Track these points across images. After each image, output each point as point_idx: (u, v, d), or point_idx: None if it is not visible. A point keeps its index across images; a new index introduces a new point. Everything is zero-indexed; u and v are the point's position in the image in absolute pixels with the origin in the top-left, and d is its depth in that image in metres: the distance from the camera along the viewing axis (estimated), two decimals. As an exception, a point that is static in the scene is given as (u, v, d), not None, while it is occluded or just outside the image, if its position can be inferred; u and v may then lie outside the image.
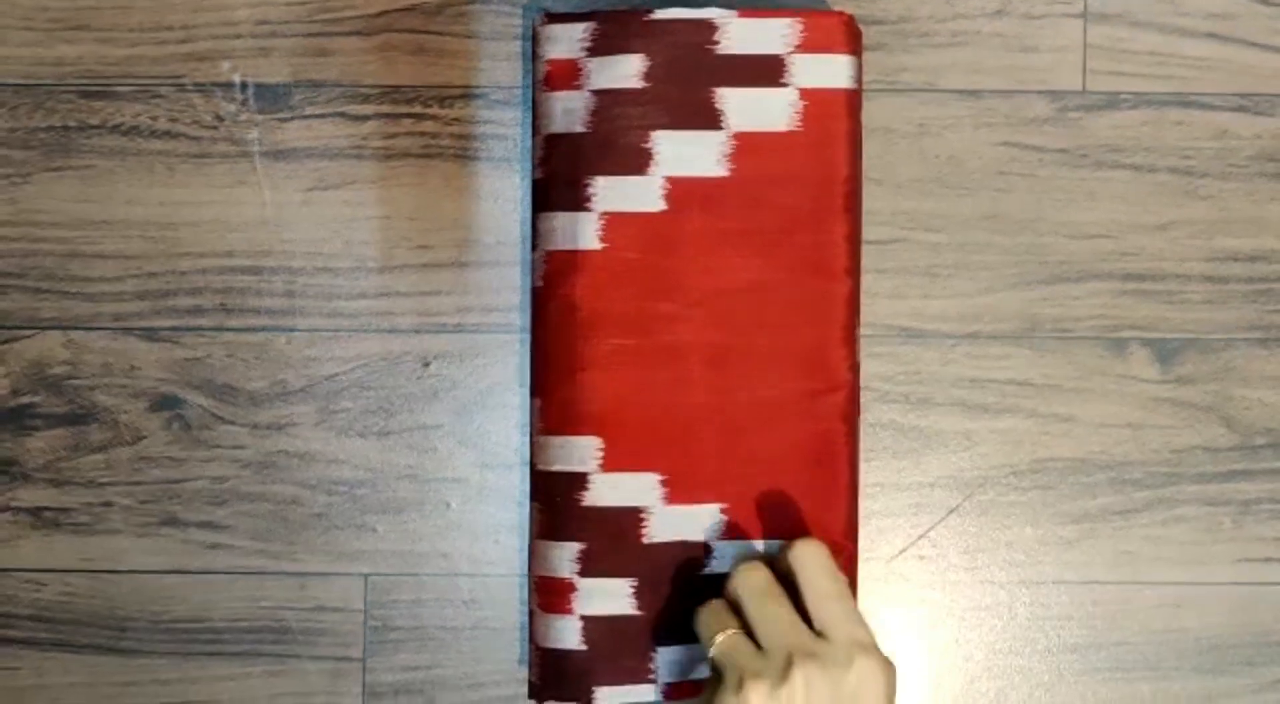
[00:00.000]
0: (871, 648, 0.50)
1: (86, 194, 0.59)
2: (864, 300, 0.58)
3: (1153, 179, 0.59)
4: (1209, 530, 0.59)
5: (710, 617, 0.52)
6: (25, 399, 0.59)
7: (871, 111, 0.58)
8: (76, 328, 0.59)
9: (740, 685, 0.49)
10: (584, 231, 0.55)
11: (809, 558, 0.51)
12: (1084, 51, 0.59)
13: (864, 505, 0.59)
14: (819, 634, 0.50)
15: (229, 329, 0.59)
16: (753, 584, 0.51)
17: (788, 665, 0.49)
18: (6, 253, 0.59)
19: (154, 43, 0.59)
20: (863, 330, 0.58)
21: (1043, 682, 0.59)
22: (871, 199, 0.59)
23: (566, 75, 0.55)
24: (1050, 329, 0.59)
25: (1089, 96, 0.59)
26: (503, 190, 0.59)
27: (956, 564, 0.59)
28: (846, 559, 0.55)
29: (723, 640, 0.51)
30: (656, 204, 0.55)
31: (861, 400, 0.58)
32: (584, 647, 0.54)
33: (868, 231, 0.58)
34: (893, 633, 0.59)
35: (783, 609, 0.51)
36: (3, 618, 0.59)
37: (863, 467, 0.58)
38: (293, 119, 0.59)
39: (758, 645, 0.50)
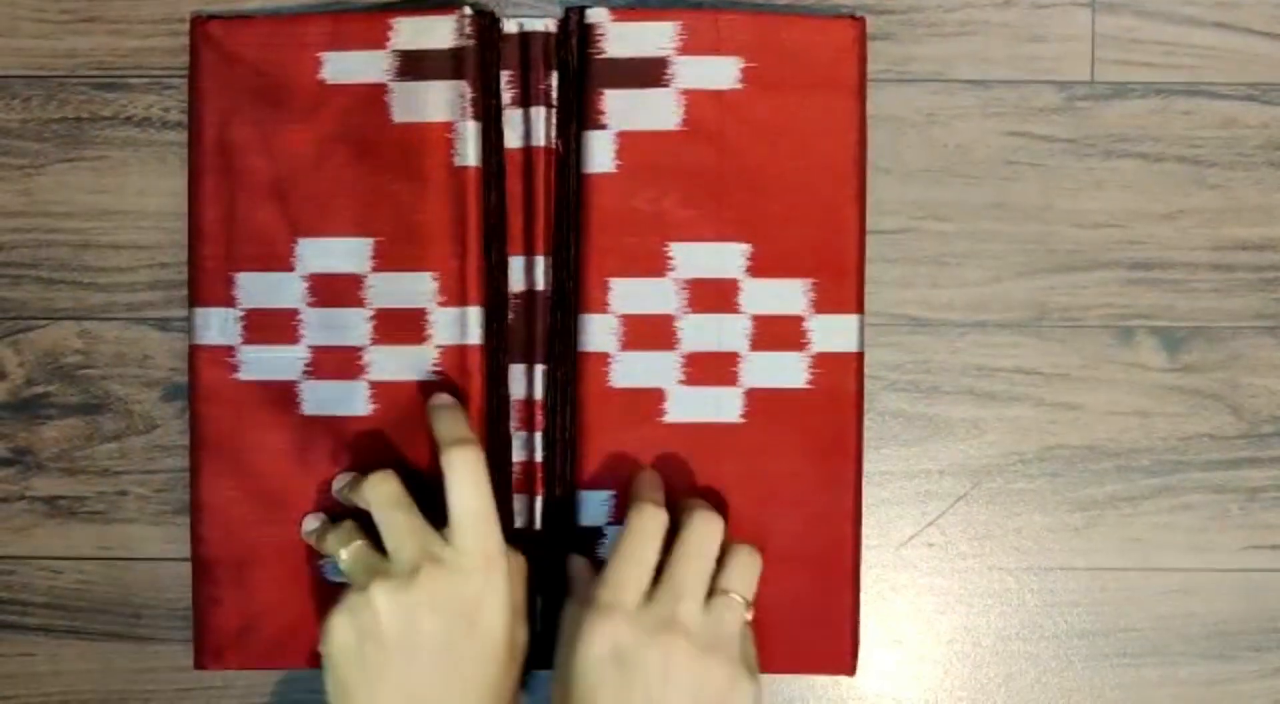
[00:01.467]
0: (496, 556, 0.52)
1: (100, 185, 0.59)
2: (872, 289, 0.58)
3: (1161, 168, 0.59)
4: (1216, 517, 0.60)
5: (336, 533, 0.54)
6: (39, 388, 0.59)
7: (880, 101, 0.59)
8: (89, 318, 0.59)
9: (366, 587, 0.51)
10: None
11: (461, 464, 0.52)
12: (1092, 41, 0.59)
13: (873, 493, 0.59)
14: (448, 540, 0.52)
15: (242, 319, 0.59)
16: (383, 493, 0.53)
17: (414, 569, 0.51)
18: (20, 243, 0.59)
19: (167, 34, 0.59)
20: (871, 319, 0.59)
21: (1051, 667, 0.60)
22: (880, 188, 0.59)
23: None
24: (1058, 318, 0.59)
25: (1097, 86, 0.59)
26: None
27: (965, 551, 0.60)
28: (850, 546, 0.57)
29: (351, 550, 0.53)
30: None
31: (870, 389, 0.58)
32: None
33: (876, 221, 0.59)
34: (901, 619, 0.60)
35: (412, 517, 0.52)
36: (19, 605, 0.59)
37: (871, 455, 0.59)
38: (304, 110, 0.59)
39: (384, 554, 0.52)
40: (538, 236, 0.58)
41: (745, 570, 0.54)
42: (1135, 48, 0.59)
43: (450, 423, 0.54)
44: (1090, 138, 0.59)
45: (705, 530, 0.53)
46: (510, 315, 0.58)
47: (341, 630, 0.51)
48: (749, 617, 0.53)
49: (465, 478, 0.52)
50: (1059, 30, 0.59)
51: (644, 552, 0.52)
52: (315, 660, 0.54)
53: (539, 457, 0.58)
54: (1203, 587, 0.60)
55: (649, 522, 0.53)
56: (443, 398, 0.56)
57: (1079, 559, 0.59)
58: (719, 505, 0.57)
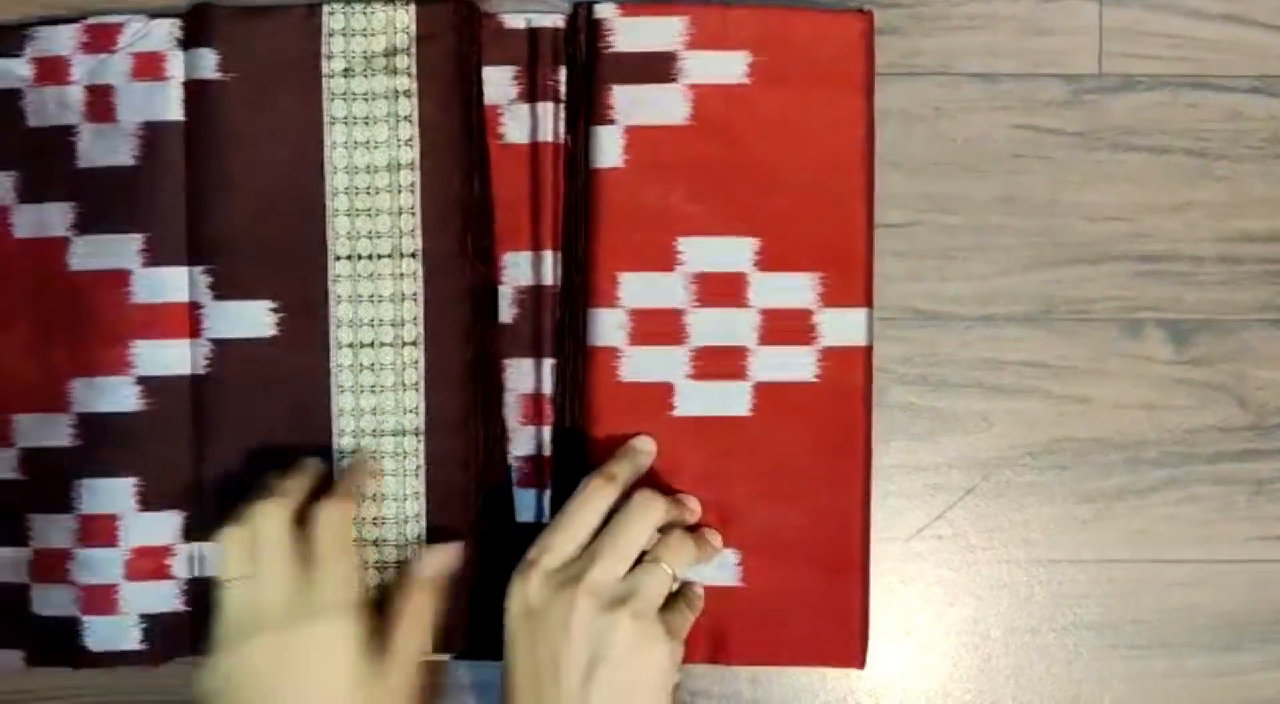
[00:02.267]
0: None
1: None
2: (880, 283, 0.58)
3: (1168, 161, 0.59)
4: (1223, 509, 0.60)
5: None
6: None
7: (888, 95, 0.59)
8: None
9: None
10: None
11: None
12: (1099, 34, 0.59)
13: (881, 486, 0.59)
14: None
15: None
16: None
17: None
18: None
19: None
20: (879, 313, 0.59)
21: (1059, 659, 0.60)
22: (888, 182, 0.59)
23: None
24: (1066, 311, 0.59)
25: (1104, 79, 0.59)
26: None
27: (974, 544, 0.60)
28: (859, 540, 0.57)
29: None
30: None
31: (878, 383, 0.59)
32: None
33: (884, 215, 0.59)
34: (910, 611, 0.60)
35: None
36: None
37: (880, 448, 0.59)
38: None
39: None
40: (545, 231, 0.58)
41: (678, 544, 0.55)
42: (1142, 41, 0.59)
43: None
44: (1097, 131, 0.59)
45: (642, 509, 0.54)
46: (516, 310, 0.58)
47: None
48: (674, 586, 0.54)
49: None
50: (1066, 23, 0.59)
51: (578, 519, 0.53)
52: None
53: (548, 451, 0.58)
54: (1210, 578, 0.60)
55: (592, 493, 0.54)
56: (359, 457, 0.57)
57: (1087, 551, 0.60)
58: (728, 499, 0.57)
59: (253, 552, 0.53)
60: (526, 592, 0.52)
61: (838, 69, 0.57)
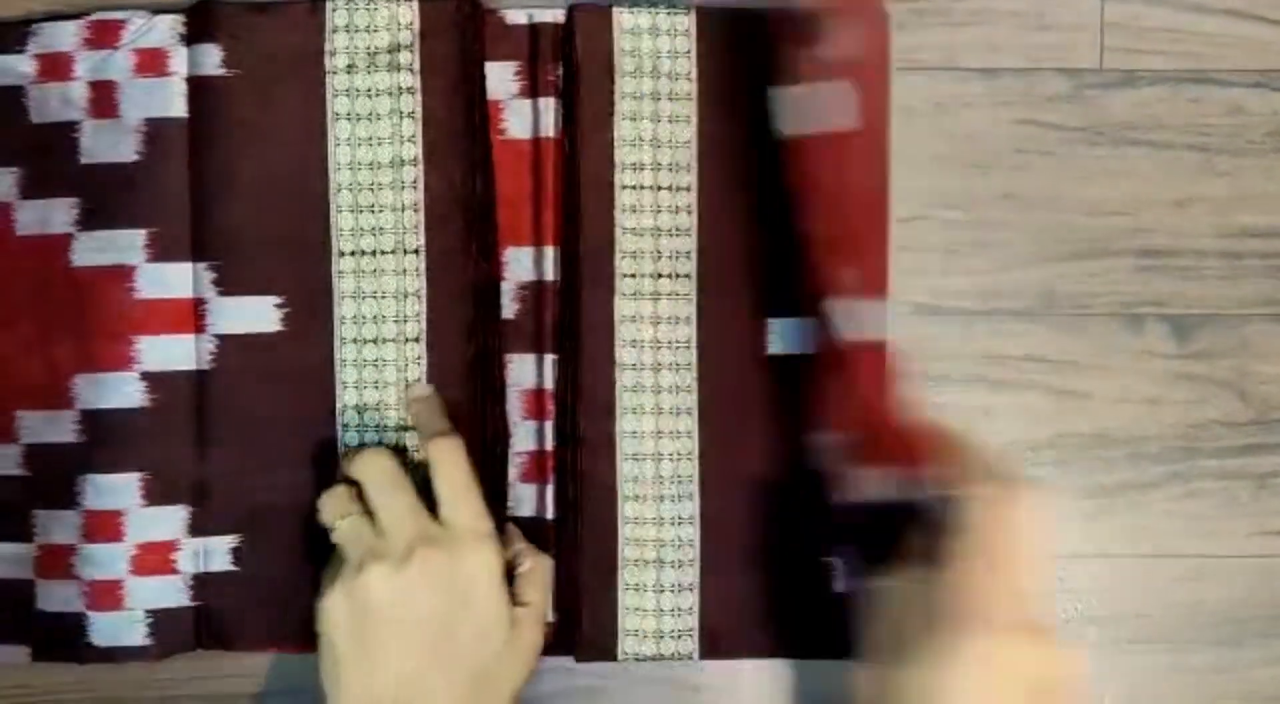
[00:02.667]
0: (487, 537, 0.53)
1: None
2: (882, 278, 0.59)
3: (1169, 156, 0.59)
4: (1226, 504, 0.60)
5: (333, 502, 0.54)
6: None
7: (891, 91, 0.59)
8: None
9: (362, 566, 0.51)
10: None
11: (446, 452, 0.54)
12: (1101, 29, 0.59)
13: (883, 481, 0.59)
14: (440, 522, 0.53)
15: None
16: (375, 471, 0.54)
17: (409, 549, 0.51)
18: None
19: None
20: (881, 308, 0.59)
21: (1061, 654, 0.60)
22: (891, 177, 0.59)
23: None
24: (1068, 305, 0.59)
25: (1106, 74, 0.59)
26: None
27: (975, 539, 0.60)
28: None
29: (346, 524, 0.53)
30: None
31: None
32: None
33: (886, 210, 0.59)
34: (912, 607, 0.60)
35: (407, 496, 0.53)
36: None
37: (882, 443, 0.59)
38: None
39: (378, 530, 0.53)
40: (546, 227, 0.58)
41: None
42: (1143, 36, 0.59)
43: (429, 414, 0.56)
44: (1099, 126, 0.59)
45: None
46: (518, 306, 0.58)
47: (337, 610, 0.52)
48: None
49: (450, 465, 0.53)
50: (1067, 18, 0.59)
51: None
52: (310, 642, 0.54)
53: (549, 446, 0.58)
54: (1213, 573, 0.60)
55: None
56: (420, 390, 0.57)
57: (1089, 546, 0.60)
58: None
59: (367, 489, 0.53)
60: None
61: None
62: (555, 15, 0.58)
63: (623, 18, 0.58)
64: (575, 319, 0.58)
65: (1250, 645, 0.60)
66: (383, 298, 0.57)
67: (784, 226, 0.56)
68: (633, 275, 0.58)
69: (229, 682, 0.59)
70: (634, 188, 0.58)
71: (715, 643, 0.58)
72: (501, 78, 0.58)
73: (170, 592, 0.57)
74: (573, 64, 0.58)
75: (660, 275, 0.58)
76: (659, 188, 0.58)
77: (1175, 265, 0.59)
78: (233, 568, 0.57)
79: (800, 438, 0.57)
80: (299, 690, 0.59)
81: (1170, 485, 0.60)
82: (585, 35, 0.58)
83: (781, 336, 0.58)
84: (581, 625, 0.58)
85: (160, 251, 0.57)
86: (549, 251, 0.58)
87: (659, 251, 0.58)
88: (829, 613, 0.57)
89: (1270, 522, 0.60)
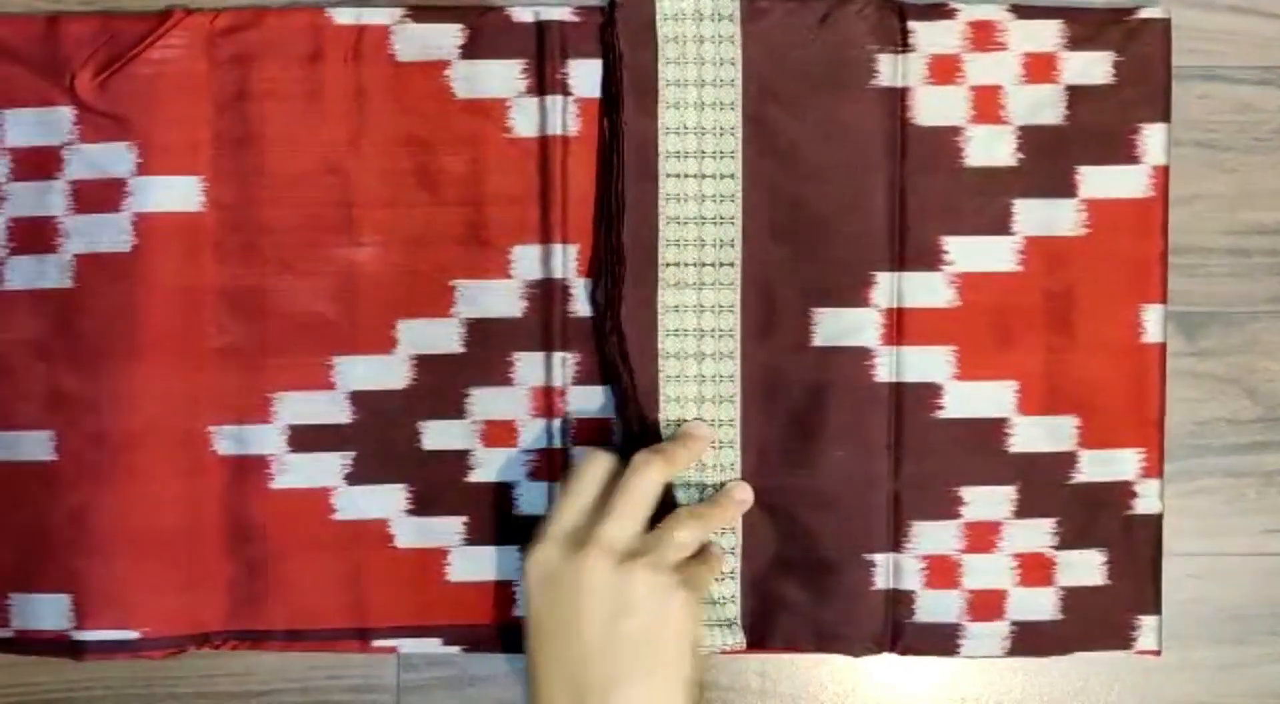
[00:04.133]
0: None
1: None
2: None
3: (1177, 153, 0.59)
4: (1233, 501, 0.60)
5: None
6: None
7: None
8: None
9: (633, 557, 0.53)
10: None
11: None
12: (1108, 26, 0.59)
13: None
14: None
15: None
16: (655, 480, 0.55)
17: (676, 561, 0.54)
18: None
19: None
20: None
21: (1068, 651, 0.60)
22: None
23: None
24: (1075, 303, 0.59)
25: (1113, 71, 0.59)
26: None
27: (982, 536, 0.60)
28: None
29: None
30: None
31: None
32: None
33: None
34: (919, 605, 0.60)
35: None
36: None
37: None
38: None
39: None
40: (554, 225, 0.58)
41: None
42: (1151, 33, 0.59)
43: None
44: (1106, 123, 0.59)
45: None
46: (525, 303, 0.58)
47: (602, 599, 0.52)
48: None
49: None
50: (1075, 15, 0.59)
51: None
52: None
53: (558, 444, 0.58)
54: (1219, 571, 0.60)
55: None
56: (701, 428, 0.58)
57: (1096, 544, 0.60)
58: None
59: (617, 487, 0.54)
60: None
61: None
62: (562, 14, 0.58)
63: (665, 3, 0.57)
64: (616, 310, 0.58)
65: (1255, 643, 0.60)
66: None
67: (829, 214, 0.57)
68: (676, 264, 0.58)
69: (231, 680, 0.59)
70: (678, 176, 0.58)
71: (756, 635, 0.58)
72: (508, 76, 0.58)
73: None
74: (615, 50, 0.57)
75: (704, 264, 0.58)
76: (703, 176, 0.58)
77: (1183, 262, 0.59)
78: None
79: (843, 429, 0.57)
80: (299, 690, 0.59)
81: (1177, 483, 0.60)
82: (627, 21, 0.57)
83: (826, 327, 0.58)
84: None
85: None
86: (557, 249, 0.58)
87: (703, 240, 0.58)
88: (869, 608, 0.58)
89: (1277, 519, 0.60)
